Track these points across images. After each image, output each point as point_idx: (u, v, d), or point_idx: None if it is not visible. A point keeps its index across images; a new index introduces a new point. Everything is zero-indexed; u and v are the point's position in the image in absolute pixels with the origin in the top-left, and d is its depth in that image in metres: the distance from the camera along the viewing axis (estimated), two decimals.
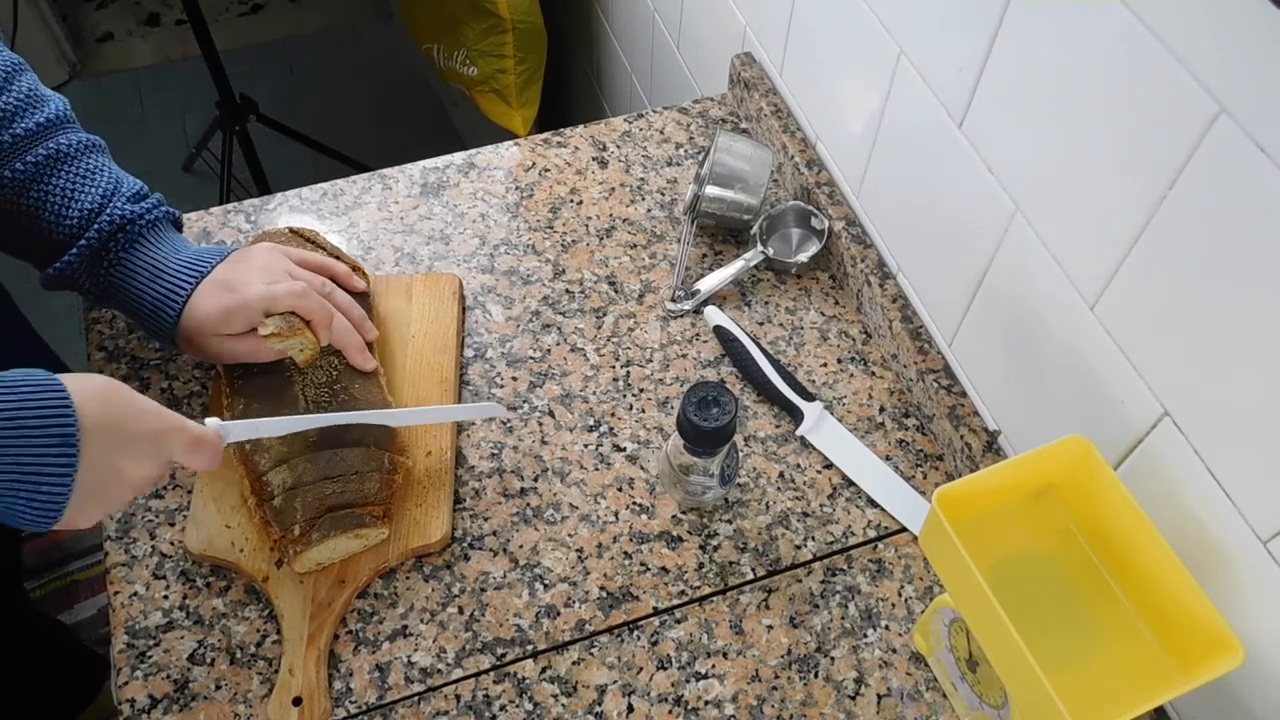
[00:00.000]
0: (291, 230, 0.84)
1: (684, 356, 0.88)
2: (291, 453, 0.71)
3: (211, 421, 0.65)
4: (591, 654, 0.72)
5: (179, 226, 0.80)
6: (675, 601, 0.75)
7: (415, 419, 0.76)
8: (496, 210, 0.97)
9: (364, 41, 2.59)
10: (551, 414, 0.84)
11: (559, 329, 0.89)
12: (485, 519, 0.78)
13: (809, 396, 0.84)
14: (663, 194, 0.99)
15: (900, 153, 0.83)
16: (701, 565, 0.76)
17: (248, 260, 0.76)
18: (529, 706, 0.70)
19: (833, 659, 0.73)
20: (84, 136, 0.76)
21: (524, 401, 0.84)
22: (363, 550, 0.74)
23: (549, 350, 0.88)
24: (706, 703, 0.71)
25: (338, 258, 0.84)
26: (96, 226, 0.73)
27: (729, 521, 0.79)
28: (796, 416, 0.83)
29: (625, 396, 0.85)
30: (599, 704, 0.70)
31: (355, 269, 0.84)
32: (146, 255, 0.75)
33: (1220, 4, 0.49)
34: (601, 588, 0.75)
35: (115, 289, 0.75)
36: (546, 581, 0.75)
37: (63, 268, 0.74)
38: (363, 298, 0.83)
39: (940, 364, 0.83)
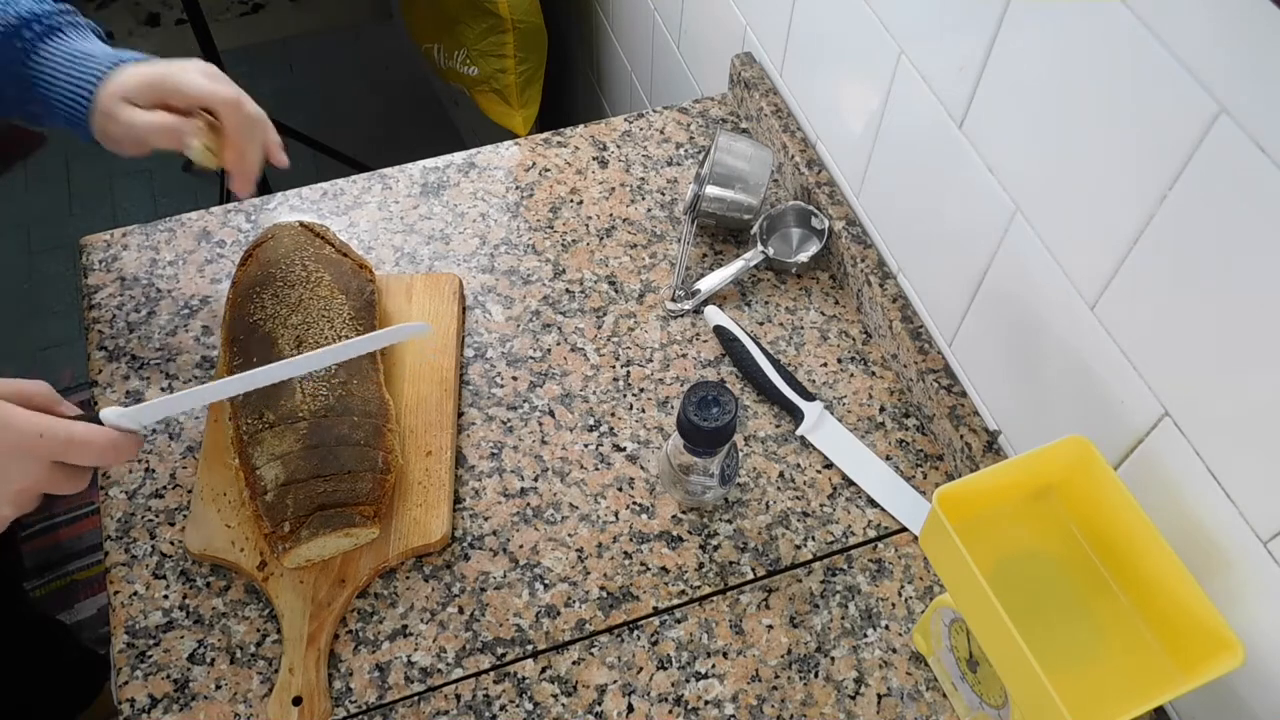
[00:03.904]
0: (302, 224, 0.84)
1: (684, 356, 0.88)
2: (286, 448, 0.71)
3: (108, 413, 0.63)
4: (591, 654, 0.72)
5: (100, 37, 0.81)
6: (675, 601, 0.75)
7: (337, 355, 0.71)
8: (496, 210, 0.97)
9: (364, 41, 2.59)
10: (551, 414, 0.84)
11: (559, 329, 0.89)
12: (485, 519, 0.78)
13: (809, 396, 0.84)
14: (663, 194, 0.99)
15: (900, 153, 0.83)
16: (701, 565, 0.76)
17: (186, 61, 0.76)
18: (529, 706, 0.70)
19: (833, 659, 0.73)
20: None
21: (524, 401, 0.84)
22: (353, 548, 0.74)
23: (549, 350, 0.88)
24: (706, 702, 0.71)
25: (345, 254, 0.84)
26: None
27: (729, 521, 0.79)
28: (796, 416, 0.83)
29: (625, 396, 0.85)
30: (599, 704, 0.70)
31: (362, 266, 0.84)
32: (68, 46, 0.75)
33: (1220, 4, 0.49)
34: (601, 588, 0.75)
35: (34, 78, 0.74)
36: (546, 581, 0.75)
37: None
38: (367, 296, 0.83)
39: (940, 364, 0.83)
